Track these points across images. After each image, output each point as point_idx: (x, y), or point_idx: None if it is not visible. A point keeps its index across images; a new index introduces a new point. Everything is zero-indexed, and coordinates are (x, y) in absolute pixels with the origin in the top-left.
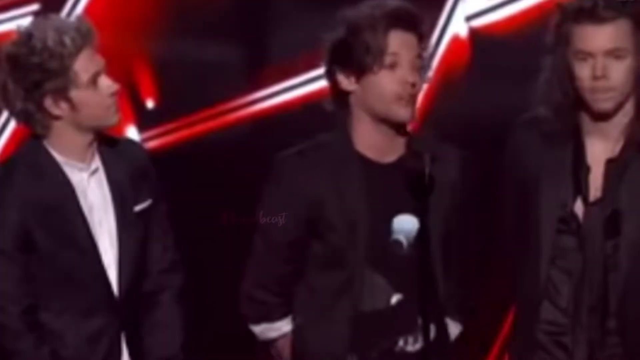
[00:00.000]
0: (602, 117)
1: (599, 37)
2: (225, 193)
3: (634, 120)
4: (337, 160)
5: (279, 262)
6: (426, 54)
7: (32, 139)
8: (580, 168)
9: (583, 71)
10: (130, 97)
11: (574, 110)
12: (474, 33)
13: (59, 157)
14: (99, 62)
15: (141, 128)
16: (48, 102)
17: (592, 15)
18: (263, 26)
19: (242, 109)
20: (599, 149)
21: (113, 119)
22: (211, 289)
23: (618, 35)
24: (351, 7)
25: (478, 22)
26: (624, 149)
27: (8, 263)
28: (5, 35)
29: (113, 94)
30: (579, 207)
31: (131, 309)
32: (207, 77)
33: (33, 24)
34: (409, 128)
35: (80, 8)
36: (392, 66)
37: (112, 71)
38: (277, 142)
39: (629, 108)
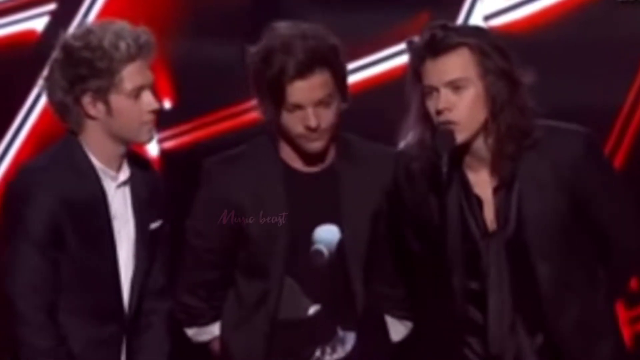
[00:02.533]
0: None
1: (437, 70)
2: None
3: (496, 145)
4: (261, 168)
5: (204, 269)
6: None
7: (70, 136)
8: (470, 202)
9: (430, 106)
10: None
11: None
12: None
13: (95, 161)
14: (148, 76)
15: (158, 128)
16: (86, 100)
17: (430, 50)
18: None
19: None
20: (484, 178)
21: (145, 136)
22: None
23: (456, 66)
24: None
25: (496, 22)
26: (501, 175)
27: (40, 256)
28: (22, 34)
29: (152, 112)
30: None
31: (135, 323)
32: (224, 77)
33: (98, 23)
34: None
35: (97, 8)
36: None
37: None
38: None
39: (490, 132)
